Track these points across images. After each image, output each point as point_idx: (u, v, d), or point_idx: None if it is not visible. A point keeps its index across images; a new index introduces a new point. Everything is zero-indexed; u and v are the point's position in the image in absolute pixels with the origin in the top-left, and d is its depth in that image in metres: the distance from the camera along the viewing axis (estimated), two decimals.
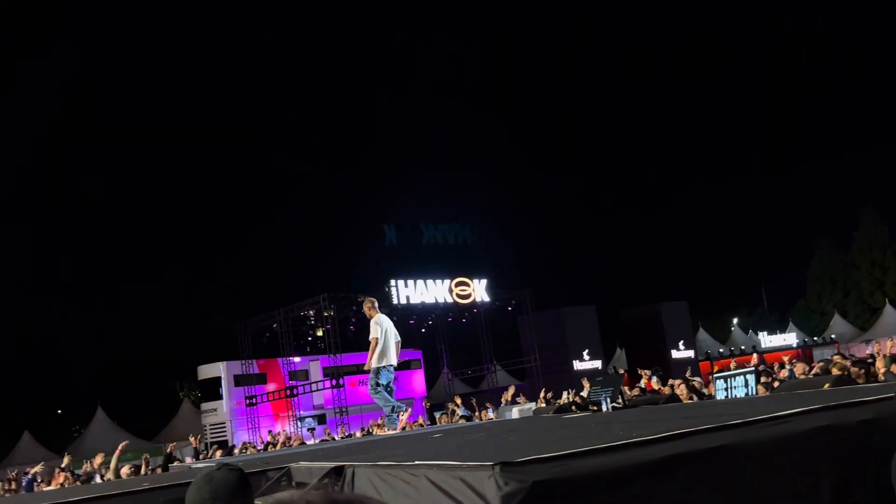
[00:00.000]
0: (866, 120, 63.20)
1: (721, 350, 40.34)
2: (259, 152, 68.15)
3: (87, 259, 55.46)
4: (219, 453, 16.57)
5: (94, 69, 64.00)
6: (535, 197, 72.31)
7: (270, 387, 31.97)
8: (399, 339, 10.09)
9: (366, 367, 9.85)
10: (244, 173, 65.07)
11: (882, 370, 11.10)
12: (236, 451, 18.97)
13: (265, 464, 4.60)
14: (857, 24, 63.98)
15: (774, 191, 62.97)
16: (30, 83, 59.58)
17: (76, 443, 32.74)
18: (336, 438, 18.43)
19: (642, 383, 16.88)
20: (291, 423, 30.89)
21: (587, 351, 34.82)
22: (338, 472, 3.42)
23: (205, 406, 32.84)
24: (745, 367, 7.51)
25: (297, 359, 32.31)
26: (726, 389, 6.73)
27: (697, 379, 17.34)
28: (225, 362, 32.23)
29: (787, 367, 14.16)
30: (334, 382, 28.50)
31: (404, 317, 32.50)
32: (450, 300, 30.52)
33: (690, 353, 37.16)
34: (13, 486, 13.13)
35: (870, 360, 11.53)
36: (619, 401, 6.71)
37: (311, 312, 29.90)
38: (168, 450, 17.63)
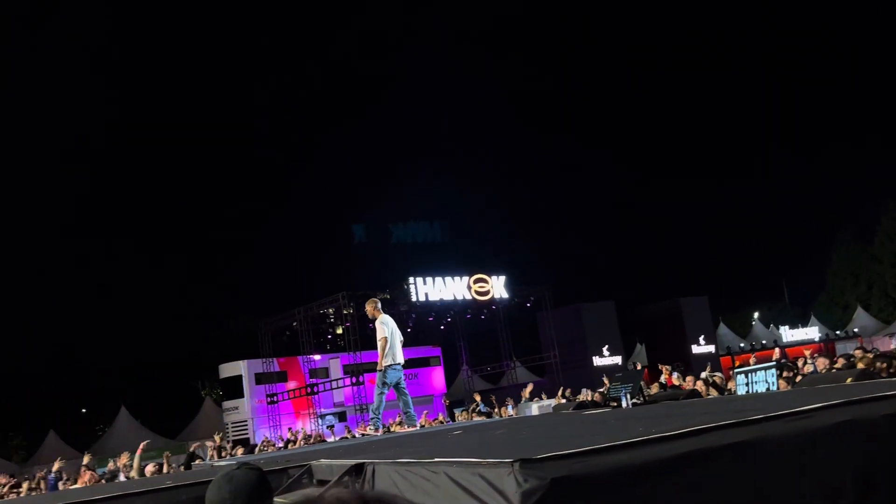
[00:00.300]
0: (890, 111, 62.57)
1: (742, 345, 40.07)
2: (259, 151, 68.62)
3: (108, 261, 56.15)
4: (240, 451, 16.69)
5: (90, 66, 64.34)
6: (552, 193, 72.21)
7: (291, 385, 32.15)
8: (402, 338, 10.10)
9: (378, 368, 9.89)
10: (245, 172, 65.58)
11: None
12: (258, 448, 19.09)
13: (286, 461, 4.63)
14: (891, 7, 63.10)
15: (795, 183, 62.43)
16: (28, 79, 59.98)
17: (100, 441, 33.11)
18: (357, 435, 18.49)
19: (662, 379, 16.79)
20: (312, 420, 31.04)
21: (607, 347, 34.70)
22: (358, 469, 3.44)
23: (226, 404, 33.07)
24: (766, 362, 7.46)
25: (317, 357, 32.47)
26: (747, 385, 6.68)
27: (718, 374, 17.24)
28: (246, 361, 32.45)
29: (809, 361, 14.03)
30: (354, 380, 28.60)
31: (423, 314, 32.58)
32: (468, 297, 30.53)
33: (711, 348, 36.92)
34: (40, 485, 13.30)
35: (894, 354, 11.41)
36: (639, 397, 6.69)
37: (330, 310, 30.04)
38: (192, 448, 17.78)
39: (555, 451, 2.36)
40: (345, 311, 28.76)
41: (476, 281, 30.68)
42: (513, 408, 19.40)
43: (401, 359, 9.87)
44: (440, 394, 34.48)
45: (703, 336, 37.21)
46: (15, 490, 13.27)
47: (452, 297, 30.28)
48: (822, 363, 11.41)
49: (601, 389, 16.21)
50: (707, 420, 2.79)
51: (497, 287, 31.19)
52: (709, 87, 70.94)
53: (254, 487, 2.57)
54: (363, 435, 11.10)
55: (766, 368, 6.59)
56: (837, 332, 41.91)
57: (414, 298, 29.20)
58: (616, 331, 35.82)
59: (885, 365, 9.52)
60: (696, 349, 36.24)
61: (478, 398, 20.80)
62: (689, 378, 14.31)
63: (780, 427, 2.63)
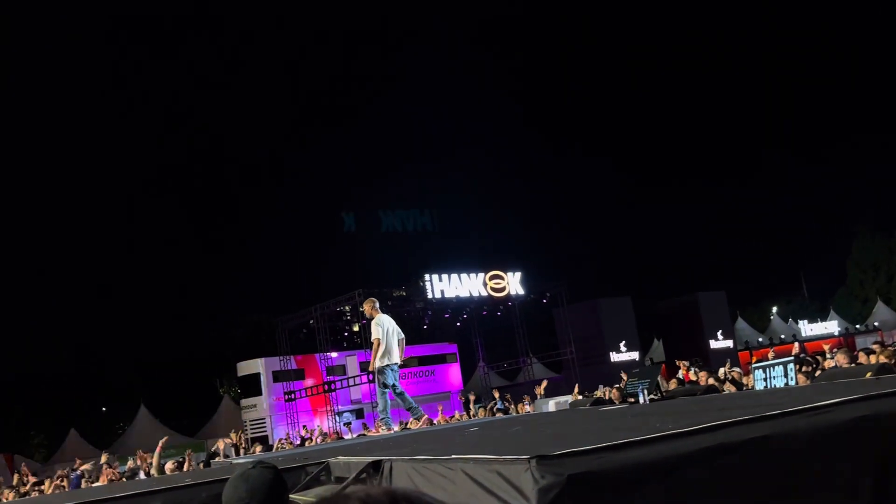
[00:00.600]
0: (891, 111, 62.10)
1: (760, 339, 39.81)
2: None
3: (128, 263, 56.62)
4: (258, 449, 16.78)
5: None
6: (568, 189, 72.04)
7: (308, 382, 32.28)
8: (403, 336, 10.08)
9: (370, 369, 9.91)
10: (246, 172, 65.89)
11: None
12: (276, 447, 19.17)
13: (304, 459, 4.66)
14: None
15: (812, 176, 61.91)
16: None
17: (120, 440, 33.42)
18: (375, 433, 18.53)
19: (680, 374, 16.72)
20: (330, 417, 31.15)
21: (624, 342, 34.59)
22: (376, 466, 3.45)
23: (245, 402, 33.25)
24: (784, 357, 7.40)
25: (334, 354, 32.57)
26: (765, 380, 6.64)
27: (737, 369, 17.14)
28: (263, 358, 32.63)
29: (829, 356, 13.91)
30: (371, 377, 28.61)
31: (439, 311, 32.61)
32: (484, 293, 30.50)
33: (729, 343, 36.71)
34: (63, 483, 13.44)
35: None
36: (656, 392, 6.67)
37: (346, 308, 30.12)
38: (214, 447, 17.86)
39: (572, 447, 2.36)
40: (361, 309, 28.81)
41: (492, 277, 30.65)
42: (530, 404, 19.38)
43: (397, 359, 9.84)
44: (457, 390, 34.51)
45: (720, 331, 37.01)
46: (38, 488, 13.44)
47: (468, 294, 30.27)
48: (841, 358, 11.30)
49: (618, 385, 16.17)
50: (724, 416, 2.78)
51: (513, 283, 31.15)
52: (745, 66, 70.45)
53: (270, 486, 2.59)
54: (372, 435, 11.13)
55: (784, 363, 6.54)
56: (857, 327, 41.54)
57: (429, 295, 29.23)
58: (633, 326, 35.70)
59: None
60: (713, 344, 36.06)
61: (496, 395, 20.81)
62: (702, 374, 14.21)
63: (797, 422, 2.62)
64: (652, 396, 6.42)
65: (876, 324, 40.45)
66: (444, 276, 29.63)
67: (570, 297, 34.35)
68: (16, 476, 17.11)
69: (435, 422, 10.09)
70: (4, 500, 12.97)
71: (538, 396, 19.53)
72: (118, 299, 54.19)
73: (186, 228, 59.97)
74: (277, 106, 74.11)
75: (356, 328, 31.05)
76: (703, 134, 71.14)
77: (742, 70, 73.05)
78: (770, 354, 18.83)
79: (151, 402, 36.11)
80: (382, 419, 9.95)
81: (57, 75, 61.67)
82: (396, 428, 10.21)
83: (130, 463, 14.88)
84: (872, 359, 10.51)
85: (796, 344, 21.58)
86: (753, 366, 7.65)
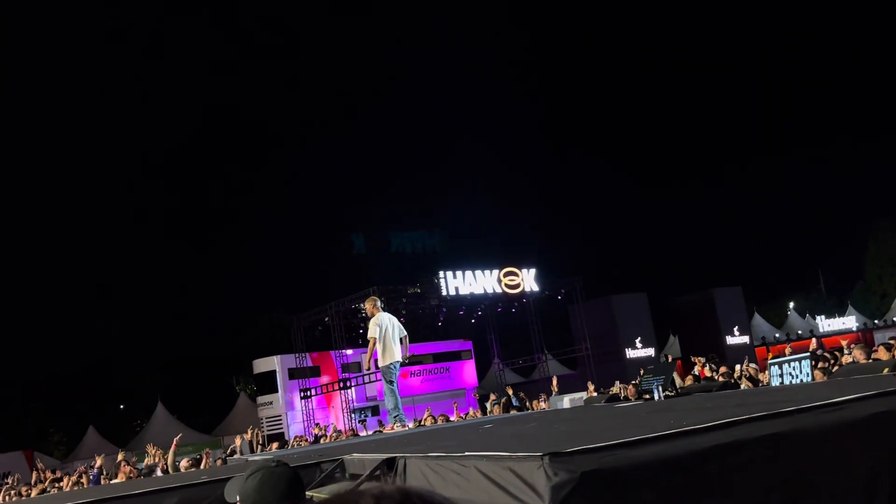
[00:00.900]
0: (891, 111, 61.75)
1: (777, 335, 39.57)
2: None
3: (146, 262, 57.08)
4: (274, 446, 16.85)
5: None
6: (582, 185, 71.92)
7: (324, 379, 32.39)
8: (405, 333, 10.06)
9: (365, 367, 9.94)
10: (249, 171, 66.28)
11: None
12: (291, 443, 19.24)
13: (319, 456, 4.68)
14: None
15: (830, 169, 61.43)
16: None
17: (138, 437, 33.66)
18: (390, 430, 18.56)
19: (696, 371, 16.65)
20: (345, 415, 31.25)
21: (639, 339, 34.48)
22: (390, 463, 3.46)
23: (261, 399, 33.41)
24: (801, 353, 7.35)
25: (349, 351, 32.65)
26: (781, 376, 6.60)
27: (753, 366, 17.03)
28: (279, 356, 32.76)
29: (847, 352, 13.79)
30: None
31: (454, 307, 32.62)
32: (499, 290, 30.48)
33: (745, 339, 36.51)
34: (82, 479, 13.57)
35: None
36: (672, 389, 6.64)
37: (361, 305, 30.16)
38: (232, 445, 17.95)
39: (585, 444, 2.35)
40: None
41: (506, 274, 30.62)
42: (545, 401, 19.35)
43: (398, 357, 9.85)
44: (472, 387, 34.50)
45: (737, 327, 36.82)
46: (57, 484, 13.57)
47: (483, 291, 30.26)
48: (859, 353, 11.20)
49: (634, 381, 16.12)
50: (739, 412, 2.77)
51: (527, 280, 31.10)
52: (760, 58, 70.15)
53: (285, 483, 2.60)
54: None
55: (800, 359, 6.50)
56: (875, 322, 41.18)
57: (444, 292, 29.25)
58: (649, 322, 35.58)
59: None
60: (730, 340, 35.88)
61: (510, 391, 20.79)
62: (722, 369, 14.16)
63: (813, 419, 2.60)
64: (667, 393, 6.40)
65: (895, 318, 40.08)
66: (459, 273, 29.63)
67: (585, 294, 34.29)
68: (35, 473, 17.30)
69: (409, 424, 10.07)
70: (24, 497, 13.11)
71: (553, 392, 19.50)
72: (134, 298, 54.64)
73: (187, 227, 60.44)
74: (278, 106, 74.47)
75: None
76: (703, 134, 71.20)
77: (742, 70, 73.03)
78: (787, 350, 18.70)
79: (168, 399, 36.36)
80: (396, 416, 9.97)
81: (57, 75, 62.16)
82: (411, 424, 10.22)
83: (148, 460, 15.00)
84: (891, 354, 10.41)
85: (814, 340, 21.46)
86: (769, 362, 7.60)
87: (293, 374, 32.18)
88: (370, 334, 9.79)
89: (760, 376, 11.93)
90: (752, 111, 72.42)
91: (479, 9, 74.44)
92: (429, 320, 35.83)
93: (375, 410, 31.26)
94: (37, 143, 60.11)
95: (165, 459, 12.53)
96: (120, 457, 14.37)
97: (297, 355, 32.32)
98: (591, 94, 75.23)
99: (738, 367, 16.58)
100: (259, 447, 17.06)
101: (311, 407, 31.56)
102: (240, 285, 58.12)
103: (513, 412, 16.24)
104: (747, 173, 65.81)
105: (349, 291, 30.45)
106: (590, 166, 69.43)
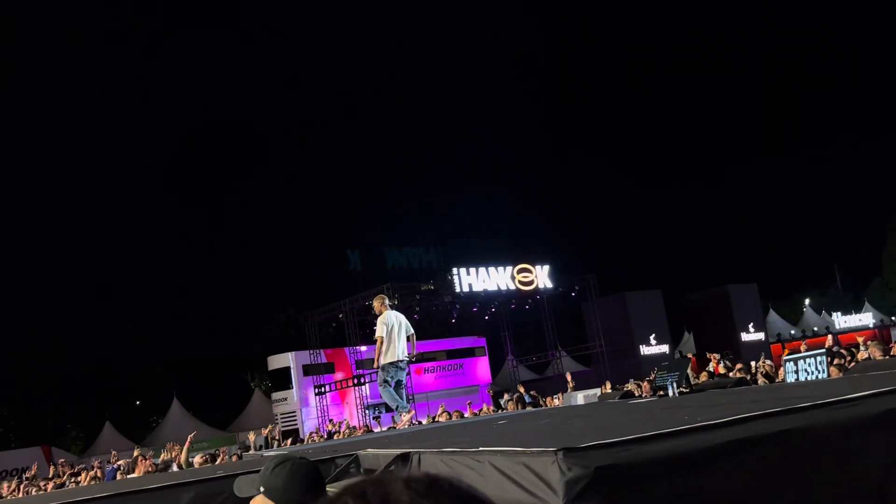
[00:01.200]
0: (891, 110, 61.30)
1: (793, 332, 39.31)
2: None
3: (162, 261, 57.48)
4: (288, 442, 16.93)
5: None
6: (596, 183, 71.75)
7: (338, 376, 32.51)
8: (412, 331, 10.10)
9: (375, 366, 9.98)
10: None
11: None
12: (307, 439, 19.34)
13: (334, 451, 4.70)
14: None
15: (845, 164, 60.96)
16: None
17: (154, 433, 33.91)
18: (402, 426, 18.62)
19: (711, 367, 16.58)
20: (359, 411, 31.35)
21: (654, 335, 34.36)
22: (404, 458, 3.48)
23: (275, 396, 33.58)
24: (817, 350, 7.31)
25: (363, 348, 32.74)
26: (796, 372, 6.57)
27: (768, 362, 16.96)
28: (294, 352, 32.90)
29: (863, 348, 13.71)
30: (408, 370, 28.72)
31: (467, 304, 32.63)
32: (512, 287, 30.46)
33: (761, 336, 36.31)
34: (98, 475, 13.70)
35: None
36: (686, 385, 6.62)
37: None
38: (249, 441, 18.08)
39: (599, 439, 2.36)
40: (389, 303, 28.88)
41: (520, 271, 30.59)
42: (559, 398, 19.34)
43: (402, 356, 9.85)
44: (485, 384, 34.52)
45: (752, 323, 36.62)
46: (74, 479, 13.71)
47: (496, 288, 30.25)
48: (875, 350, 11.13)
49: (649, 377, 16.08)
50: (754, 408, 2.77)
51: (541, 276, 31.06)
52: (771, 55, 69.86)
53: (314, 475, 2.63)
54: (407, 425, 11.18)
55: (815, 355, 6.46)
56: (892, 318, 40.84)
57: (458, 289, 29.26)
58: (663, 319, 35.45)
59: None
60: (745, 337, 35.70)
61: (521, 389, 20.78)
62: (738, 366, 14.10)
63: (828, 415, 2.59)
64: (681, 389, 6.38)
65: None
66: (472, 270, 29.62)
67: (598, 291, 34.20)
68: (52, 468, 17.49)
69: (401, 425, 10.11)
70: (43, 491, 13.24)
71: (569, 389, 19.49)
72: (152, 297, 55.04)
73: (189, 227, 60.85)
74: (278, 106, 74.65)
75: None
76: (703, 134, 70.97)
77: (742, 70, 72.79)
78: (802, 347, 18.58)
79: (183, 396, 36.59)
80: (400, 408, 10.04)
81: (57, 75, 62.50)
82: (424, 421, 10.25)
83: (164, 455, 15.12)
84: None
85: (830, 336, 21.27)
86: (785, 358, 7.57)
87: (307, 370, 32.31)
88: (377, 333, 9.83)
89: (779, 372, 11.89)
90: (752, 111, 72.22)
91: (479, 9, 74.49)
92: (442, 317, 35.88)
93: (389, 407, 31.29)
94: (37, 142, 60.56)
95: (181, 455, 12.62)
96: (136, 453, 14.52)
97: (311, 352, 32.45)
98: (591, 94, 75.31)
99: (753, 363, 16.51)
100: (275, 443, 17.16)
101: (325, 403, 31.67)
102: (249, 284, 58.43)
103: (528, 408, 16.26)
104: (748, 173, 65.53)
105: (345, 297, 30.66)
106: (590, 166, 69.40)
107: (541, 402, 19.12)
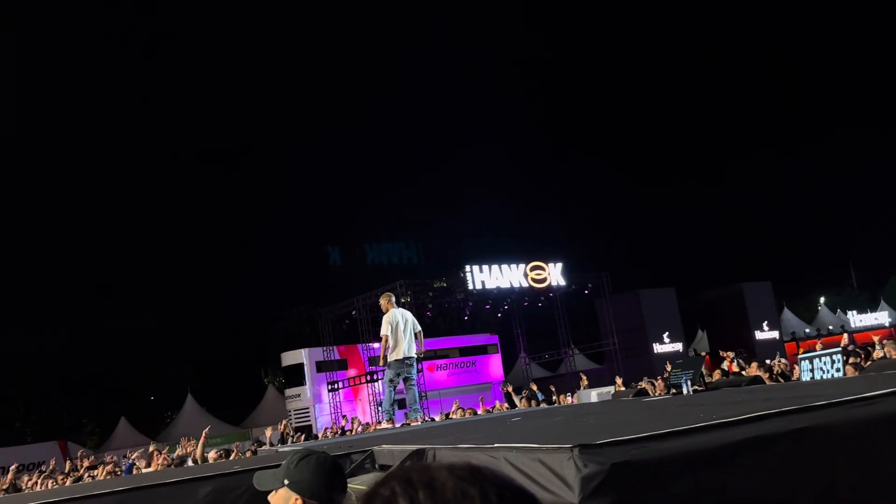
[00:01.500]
0: (891, 110, 60.88)
1: (808, 331, 39.06)
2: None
3: (178, 259, 57.87)
4: (302, 438, 17.00)
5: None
6: (596, 183, 71.65)
7: (351, 372, 32.59)
8: (419, 329, 10.11)
9: (381, 364, 10.00)
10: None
11: None
12: (319, 436, 19.41)
13: (349, 447, 4.74)
14: None
15: (860, 161, 60.46)
16: None
17: (168, 428, 34.14)
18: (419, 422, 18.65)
19: (724, 365, 16.52)
20: (372, 407, 31.43)
21: (667, 333, 34.24)
22: (419, 454, 3.50)
23: (289, 392, 33.69)
24: (832, 348, 7.28)
25: (375, 344, 32.76)
26: (812, 371, 6.55)
27: (783, 360, 16.87)
28: (307, 349, 33.01)
29: (879, 347, 13.62)
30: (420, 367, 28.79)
31: (480, 301, 32.62)
32: (525, 284, 30.42)
33: (775, 335, 36.11)
34: (115, 469, 13.82)
35: None
36: (700, 383, 6.62)
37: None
38: (263, 436, 18.17)
39: (614, 436, 2.38)
40: (402, 300, 28.98)
41: (533, 268, 30.55)
42: (572, 395, 19.33)
43: (410, 353, 9.85)
44: (498, 381, 34.52)
45: (766, 322, 36.42)
46: (91, 473, 13.83)
47: (509, 285, 30.22)
48: (891, 349, 11.06)
49: (663, 375, 16.04)
50: (768, 406, 2.77)
51: (554, 274, 31.01)
52: (774, 53, 69.50)
53: (334, 469, 2.67)
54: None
55: (831, 354, 6.45)
56: None
57: (470, 287, 29.25)
58: (677, 317, 35.30)
59: None
60: (759, 335, 35.51)
61: (534, 387, 20.77)
62: (753, 364, 14.04)
63: (843, 413, 2.60)
64: (695, 387, 6.38)
65: None
66: (485, 267, 29.61)
67: (612, 288, 34.09)
68: (68, 462, 17.65)
69: (427, 418, 10.14)
70: (60, 485, 13.37)
71: (582, 387, 19.48)
72: (166, 294, 55.42)
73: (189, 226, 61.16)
74: (278, 106, 74.84)
75: None
76: (702, 134, 70.71)
77: (741, 70, 72.45)
78: (818, 346, 18.49)
79: (198, 391, 36.82)
80: (386, 411, 10.07)
81: (57, 75, 62.86)
82: (438, 418, 10.27)
83: (179, 450, 15.23)
84: None
85: (845, 335, 21.15)
86: (800, 356, 7.54)
87: (321, 366, 32.41)
88: (382, 331, 9.86)
89: (794, 371, 11.84)
90: (752, 111, 71.94)
91: (479, 9, 74.41)
92: (455, 314, 35.88)
93: (402, 404, 31.24)
94: (37, 142, 60.96)
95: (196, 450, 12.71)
96: (152, 448, 14.62)
97: (324, 348, 32.56)
98: (591, 94, 75.12)
99: (768, 361, 16.44)
100: (290, 439, 17.25)
101: (338, 399, 31.77)
102: (264, 282, 58.70)
103: (542, 405, 16.25)
104: (753, 171, 65.25)
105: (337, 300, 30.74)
106: (590, 166, 69.29)
107: (553, 400, 19.11)
